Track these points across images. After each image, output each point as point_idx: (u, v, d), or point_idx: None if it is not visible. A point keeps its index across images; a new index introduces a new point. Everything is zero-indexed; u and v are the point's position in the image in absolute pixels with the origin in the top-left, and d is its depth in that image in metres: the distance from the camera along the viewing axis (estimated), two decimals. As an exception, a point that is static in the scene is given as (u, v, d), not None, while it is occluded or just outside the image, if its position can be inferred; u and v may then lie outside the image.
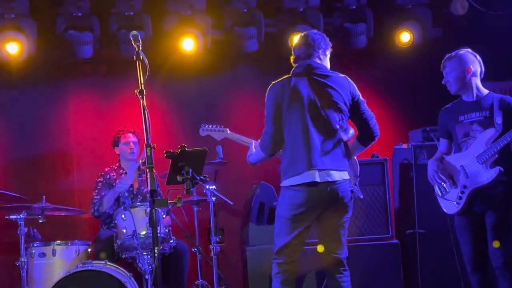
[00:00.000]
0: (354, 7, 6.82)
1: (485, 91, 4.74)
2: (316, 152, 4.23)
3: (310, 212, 4.26)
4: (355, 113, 4.42)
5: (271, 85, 4.38)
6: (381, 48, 7.05)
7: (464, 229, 4.72)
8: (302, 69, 4.38)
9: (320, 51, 4.43)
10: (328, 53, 4.49)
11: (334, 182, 4.24)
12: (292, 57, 4.50)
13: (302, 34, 4.51)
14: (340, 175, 4.28)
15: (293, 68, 4.44)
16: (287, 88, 4.29)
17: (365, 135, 4.47)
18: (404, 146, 6.25)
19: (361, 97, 4.45)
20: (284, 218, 4.28)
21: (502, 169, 4.52)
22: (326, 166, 4.24)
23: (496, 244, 4.55)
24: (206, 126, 5.27)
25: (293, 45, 4.52)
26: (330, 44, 4.52)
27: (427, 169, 4.90)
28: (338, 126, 4.31)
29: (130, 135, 6.04)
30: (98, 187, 5.98)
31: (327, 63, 4.50)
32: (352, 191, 4.37)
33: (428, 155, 5.65)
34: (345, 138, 4.37)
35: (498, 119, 4.57)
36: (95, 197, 5.94)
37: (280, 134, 4.30)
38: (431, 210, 5.63)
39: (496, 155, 4.54)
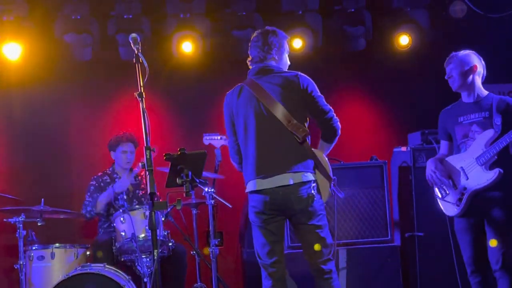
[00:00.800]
0: (353, 10, 6.83)
1: (485, 92, 4.75)
2: (262, 158, 4.20)
3: (267, 216, 4.23)
4: (312, 110, 4.28)
5: (226, 95, 4.42)
6: (380, 51, 7.06)
7: (464, 231, 4.72)
8: (253, 73, 4.36)
9: (274, 51, 4.34)
10: (284, 50, 4.39)
11: (285, 186, 4.15)
12: (248, 58, 4.46)
13: (254, 35, 4.42)
14: (294, 178, 4.15)
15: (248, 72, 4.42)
16: (235, 97, 4.32)
17: (326, 132, 4.33)
18: (403, 149, 6.24)
19: (317, 92, 4.29)
20: (251, 221, 4.35)
21: (502, 170, 4.52)
22: (275, 172, 4.17)
23: (493, 243, 4.54)
24: (208, 135, 5.43)
25: (249, 45, 4.45)
26: (286, 37, 4.41)
27: (426, 171, 4.90)
28: (289, 127, 4.18)
29: (129, 144, 6.03)
30: (91, 189, 5.97)
31: (284, 61, 4.41)
32: (310, 194, 4.17)
33: (427, 158, 5.61)
34: (298, 139, 4.18)
35: (497, 120, 4.57)
36: (87, 199, 5.94)
37: (235, 144, 4.37)
38: (430, 213, 5.63)
39: (495, 157, 4.54)
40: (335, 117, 4.34)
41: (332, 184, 4.30)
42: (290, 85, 4.26)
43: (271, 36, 4.35)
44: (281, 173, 4.17)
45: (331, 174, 4.33)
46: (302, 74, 4.33)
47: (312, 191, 4.20)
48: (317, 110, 4.30)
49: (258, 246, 4.32)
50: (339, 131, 4.36)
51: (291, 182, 4.15)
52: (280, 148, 4.21)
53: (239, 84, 4.37)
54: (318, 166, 4.26)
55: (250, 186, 4.26)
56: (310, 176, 4.21)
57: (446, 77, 4.79)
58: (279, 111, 4.20)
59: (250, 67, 4.42)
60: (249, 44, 4.43)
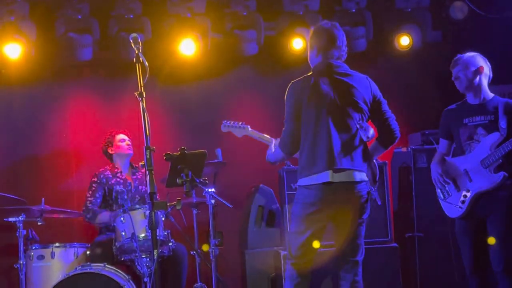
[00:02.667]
0: (353, 10, 6.83)
1: (491, 95, 4.75)
2: (335, 152, 4.17)
3: (324, 212, 4.19)
4: (376, 114, 4.36)
5: (291, 83, 4.31)
6: (380, 51, 7.06)
7: (465, 232, 4.72)
8: (322, 67, 4.32)
9: (341, 48, 4.38)
10: (346, 48, 4.42)
11: (351, 182, 4.19)
12: (310, 51, 4.40)
13: (322, 28, 4.38)
14: (359, 176, 4.22)
15: (314, 66, 4.36)
16: (307, 87, 4.23)
17: (386, 137, 4.42)
18: (403, 149, 6.25)
19: (382, 97, 4.40)
20: (298, 217, 4.23)
21: (506, 174, 4.52)
22: (345, 166, 4.18)
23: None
24: (228, 122, 5.16)
25: (311, 38, 4.40)
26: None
27: (426, 172, 4.92)
28: (358, 126, 4.26)
29: (122, 133, 6.10)
30: (93, 188, 5.98)
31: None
32: (369, 193, 4.28)
33: (428, 159, 5.65)
34: (365, 138, 4.31)
35: (503, 124, 4.57)
36: (88, 198, 5.94)
37: (299, 133, 4.24)
38: (430, 214, 5.64)
39: (500, 160, 4.54)
40: (397, 124, 4.45)
41: (374, 189, 4.41)
42: (363, 86, 4.32)
43: (339, 33, 4.39)
44: (351, 169, 4.20)
45: (377, 177, 4.48)
46: (370, 78, 4.42)
47: (368, 190, 4.30)
48: (383, 114, 4.39)
49: (302, 245, 4.23)
50: (398, 139, 4.46)
51: (359, 179, 4.22)
52: (353, 145, 4.24)
53: (310, 75, 4.30)
54: (368, 168, 4.37)
55: (320, 178, 4.16)
56: (366, 176, 4.31)
57: (452, 79, 4.78)
58: (354, 108, 4.25)
59: (326, 60, 4.33)
60: (330, 35, 4.33)
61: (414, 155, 6.10)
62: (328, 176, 4.14)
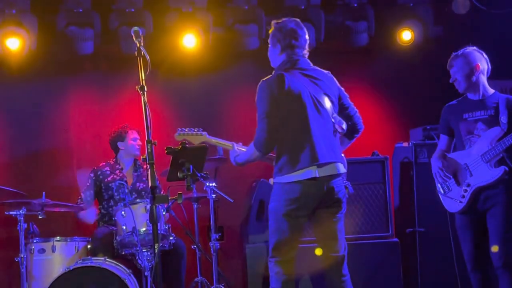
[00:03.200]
0: (355, 5, 6.82)
1: (491, 90, 4.75)
2: (317, 147, 4.18)
3: (306, 207, 4.19)
4: (341, 107, 4.41)
5: (263, 82, 4.28)
6: (382, 46, 7.04)
7: (465, 227, 4.72)
8: (290, 65, 4.31)
9: (304, 47, 4.37)
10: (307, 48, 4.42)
11: (334, 175, 4.21)
12: (272, 48, 4.38)
13: (285, 27, 4.34)
14: (341, 168, 4.27)
15: (280, 64, 4.34)
16: (281, 84, 4.21)
17: (351, 129, 4.45)
18: (405, 144, 6.24)
19: (344, 91, 4.46)
20: (279, 214, 4.20)
21: (507, 168, 4.52)
22: (328, 159, 4.20)
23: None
24: (183, 130, 4.88)
25: (274, 35, 4.37)
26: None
27: (427, 167, 4.90)
28: (333, 119, 4.29)
29: (135, 131, 6.06)
30: (88, 183, 5.98)
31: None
32: (346, 187, 4.32)
33: (429, 154, 5.64)
34: (340, 130, 4.34)
35: (504, 118, 4.56)
36: (81, 193, 5.94)
37: (277, 131, 4.21)
38: (431, 209, 5.64)
39: (501, 155, 4.54)
40: (360, 117, 4.50)
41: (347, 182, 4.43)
42: (329, 81, 4.38)
43: (300, 30, 4.38)
44: (335, 162, 4.24)
45: (346, 168, 4.47)
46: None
47: (345, 184, 4.35)
48: (346, 108, 4.44)
49: (285, 242, 4.21)
50: (362, 128, 4.52)
51: (342, 171, 4.27)
52: (331, 138, 4.29)
53: (281, 72, 4.27)
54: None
55: (305, 174, 4.15)
56: (344, 168, 4.35)
57: (451, 81, 4.77)
58: (327, 103, 4.29)
59: (292, 57, 4.32)
60: (296, 33, 4.32)
61: (416, 150, 6.10)
62: (314, 172, 4.15)
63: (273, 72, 4.37)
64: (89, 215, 5.85)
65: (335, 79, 4.42)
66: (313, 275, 5.67)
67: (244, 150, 4.50)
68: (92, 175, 6.00)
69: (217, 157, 5.69)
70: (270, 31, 4.43)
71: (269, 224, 4.28)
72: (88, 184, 5.97)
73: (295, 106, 4.20)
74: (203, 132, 4.78)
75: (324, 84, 4.32)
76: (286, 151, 4.21)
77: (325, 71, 4.42)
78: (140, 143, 6.03)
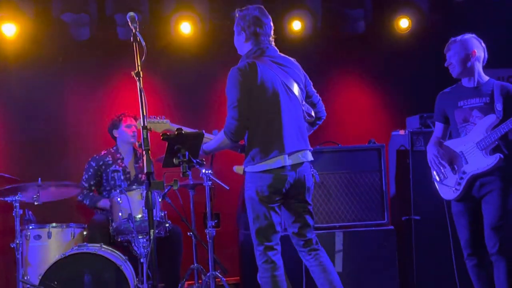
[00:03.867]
0: (353, -8, 6.80)
1: (486, 78, 4.73)
2: (288, 135, 4.21)
3: (278, 193, 4.21)
4: (306, 95, 4.43)
5: (234, 69, 4.25)
6: (379, 34, 7.04)
7: (461, 214, 4.72)
8: (258, 53, 4.30)
9: (270, 34, 4.36)
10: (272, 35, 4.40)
11: (302, 163, 4.25)
12: (237, 35, 4.38)
13: (250, 14, 4.32)
14: (309, 156, 4.31)
15: (247, 52, 4.33)
16: (253, 72, 4.20)
17: (315, 117, 4.51)
18: (401, 132, 6.23)
19: (309, 78, 4.47)
20: (256, 201, 4.22)
21: (502, 156, 4.52)
22: (298, 147, 4.24)
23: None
24: (150, 119, 4.79)
25: (239, 24, 4.36)
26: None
27: (424, 155, 4.90)
28: (302, 107, 4.33)
29: (132, 119, 6.02)
30: (89, 173, 5.95)
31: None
32: (313, 175, 4.37)
33: (425, 142, 5.63)
34: (308, 117, 4.39)
35: (499, 106, 4.56)
36: (84, 184, 5.93)
37: (247, 119, 4.20)
38: (427, 197, 5.64)
39: (496, 142, 4.54)
40: (323, 104, 4.56)
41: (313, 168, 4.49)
42: (297, 68, 4.39)
43: (264, 18, 4.37)
44: (303, 150, 4.28)
45: None
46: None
47: (312, 172, 4.41)
48: (311, 95, 4.48)
49: (266, 228, 4.23)
50: (324, 116, 4.58)
51: (310, 158, 4.32)
52: (301, 126, 4.32)
53: (253, 60, 4.25)
54: None
55: (275, 163, 4.18)
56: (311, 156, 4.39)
57: (446, 65, 4.76)
58: (296, 91, 4.31)
59: (259, 45, 4.32)
60: (260, 20, 4.32)
61: (412, 138, 6.09)
62: (283, 160, 4.18)
63: (241, 59, 4.36)
64: (105, 202, 5.83)
65: (300, 66, 4.43)
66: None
67: (211, 138, 4.50)
68: (93, 164, 5.97)
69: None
70: (235, 18, 4.42)
71: (248, 213, 4.31)
72: (90, 173, 5.95)
73: (267, 94, 4.21)
74: (166, 120, 4.76)
75: (292, 71, 4.34)
76: (258, 140, 4.22)
77: (291, 58, 4.41)
78: (134, 129, 5.99)
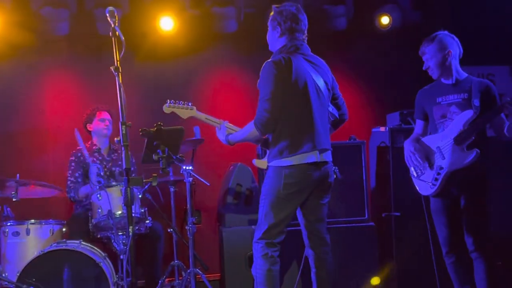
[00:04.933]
0: (334, -12, 6.81)
1: (463, 74, 4.76)
2: (319, 132, 4.25)
3: (305, 190, 4.26)
4: (332, 97, 4.48)
5: (269, 63, 4.24)
6: (360, 30, 7.04)
7: (440, 211, 4.74)
8: (292, 49, 4.31)
9: (304, 32, 4.41)
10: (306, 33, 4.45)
11: (328, 162, 4.31)
12: (272, 31, 4.38)
13: (288, 11, 4.35)
14: (332, 155, 4.38)
15: (281, 47, 4.33)
16: (288, 67, 4.20)
17: (338, 119, 4.56)
18: (382, 129, 6.25)
19: (336, 81, 4.52)
20: (276, 197, 4.22)
21: (479, 151, 4.53)
22: (325, 146, 4.30)
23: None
24: (172, 102, 4.74)
25: (275, 19, 4.37)
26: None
27: (403, 152, 4.91)
28: (329, 106, 4.39)
29: (106, 112, 6.01)
30: (72, 167, 5.92)
31: None
32: (335, 172, 4.46)
33: (405, 138, 5.63)
34: (332, 118, 4.45)
35: (476, 102, 4.58)
36: (69, 178, 5.89)
37: (279, 112, 4.20)
38: (407, 194, 5.65)
39: (473, 137, 4.56)
40: (345, 105, 4.61)
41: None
42: (326, 69, 4.43)
43: (302, 16, 4.41)
44: (329, 149, 4.35)
45: None
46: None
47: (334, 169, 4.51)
48: (337, 97, 4.53)
49: (278, 226, 4.24)
50: (347, 119, 4.65)
51: (331, 159, 4.38)
52: (327, 124, 4.38)
53: (288, 55, 4.24)
54: None
55: (307, 158, 4.20)
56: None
57: (424, 68, 4.78)
58: (325, 91, 4.35)
59: (294, 41, 4.32)
60: (297, 17, 4.34)
61: (392, 134, 6.11)
62: (315, 156, 4.22)
63: (274, 54, 4.36)
64: (85, 187, 5.78)
65: (329, 68, 4.47)
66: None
67: (234, 128, 4.50)
68: (73, 158, 5.94)
69: (194, 139, 5.65)
70: (270, 14, 4.42)
71: (262, 207, 4.29)
72: (72, 168, 5.91)
73: (300, 90, 4.22)
74: (193, 107, 4.69)
75: (322, 71, 4.37)
76: (288, 134, 4.22)
77: (322, 60, 4.44)
78: (108, 123, 6.00)
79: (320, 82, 4.31)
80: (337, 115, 4.51)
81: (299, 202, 4.30)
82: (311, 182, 4.24)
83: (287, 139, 4.21)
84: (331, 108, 4.44)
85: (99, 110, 6.02)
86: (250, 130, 4.29)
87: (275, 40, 4.40)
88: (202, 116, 4.66)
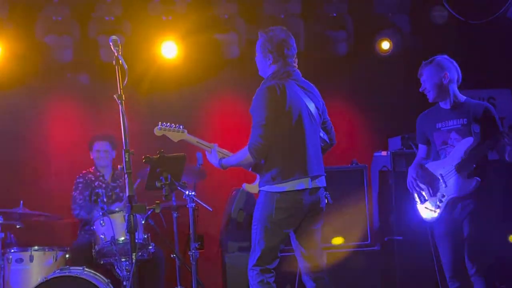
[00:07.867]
0: (334, 14, 6.87)
1: (462, 98, 4.76)
2: (311, 158, 4.22)
3: (297, 216, 4.22)
4: (324, 120, 4.47)
5: (263, 88, 4.23)
6: (361, 55, 7.09)
7: (444, 237, 4.73)
8: (285, 75, 4.30)
9: (295, 56, 4.38)
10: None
11: (321, 187, 4.28)
12: (262, 57, 4.33)
13: (277, 36, 4.30)
14: (324, 181, 4.34)
15: (273, 73, 4.31)
16: (282, 93, 4.19)
17: (326, 143, 4.52)
18: (383, 153, 6.27)
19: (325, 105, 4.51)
20: (268, 223, 4.19)
21: (479, 179, 4.54)
22: (317, 172, 4.26)
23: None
24: (164, 125, 4.65)
25: (264, 45, 4.32)
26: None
27: (406, 176, 4.91)
28: (321, 134, 4.38)
29: (104, 143, 6.06)
30: (79, 187, 5.95)
31: None
32: (326, 197, 4.38)
33: (407, 163, 5.67)
34: (322, 143, 4.41)
35: (476, 128, 4.58)
36: (78, 196, 5.92)
37: (273, 138, 4.18)
38: (409, 218, 5.66)
39: (474, 165, 4.56)
40: (333, 130, 4.56)
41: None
42: (317, 94, 4.42)
43: (291, 40, 4.38)
44: (321, 175, 4.31)
45: None
46: None
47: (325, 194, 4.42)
48: (326, 122, 4.48)
49: (272, 251, 4.21)
50: (335, 143, 4.58)
51: (324, 183, 4.33)
52: (319, 150, 4.35)
53: (281, 82, 4.23)
54: None
55: (298, 185, 4.17)
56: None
57: (420, 90, 4.80)
58: (316, 116, 4.34)
59: (286, 67, 4.30)
60: (287, 43, 4.31)
61: (394, 159, 6.12)
62: (306, 183, 4.19)
63: (266, 80, 4.32)
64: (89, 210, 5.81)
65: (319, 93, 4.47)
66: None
67: (225, 152, 4.48)
68: (81, 179, 5.98)
69: (196, 168, 5.68)
70: (257, 40, 4.38)
71: (254, 233, 4.26)
72: (80, 188, 5.94)
73: (294, 116, 4.21)
74: (184, 130, 4.66)
75: (314, 97, 4.36)
76: (281, 160, 4.19)
77: (312, 84, 4.44)
78: (103, 155, 6.06)
79: (312, 108, 4.31)
80: (327, 140, 4.48)
81: (292, 227, 4.26)
82: (303, 208, 4.21)
83: (280, 165, 4.19)
84: (322, 133, 4.42)
85: (97, 140, 6.08)
86: (244, 156, 4.25)
87: (266, 67, 4.37)
88: (193, 139, 4.62)
